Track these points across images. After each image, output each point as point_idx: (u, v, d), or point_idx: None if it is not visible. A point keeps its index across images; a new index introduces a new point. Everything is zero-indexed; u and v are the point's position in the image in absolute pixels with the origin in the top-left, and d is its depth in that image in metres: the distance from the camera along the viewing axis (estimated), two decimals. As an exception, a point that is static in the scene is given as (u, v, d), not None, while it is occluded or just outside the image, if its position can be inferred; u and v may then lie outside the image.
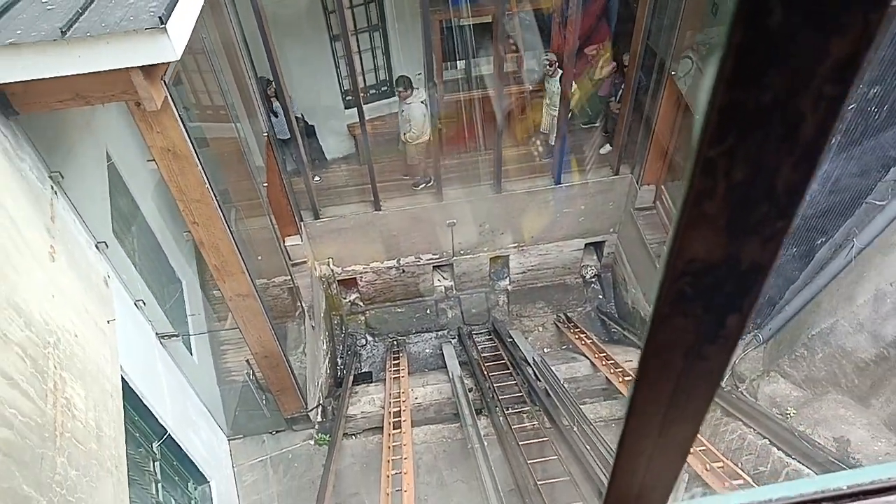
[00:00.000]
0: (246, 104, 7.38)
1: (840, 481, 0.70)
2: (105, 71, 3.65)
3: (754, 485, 5.68)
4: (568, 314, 10.41)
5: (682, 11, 6.92)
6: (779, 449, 5.82)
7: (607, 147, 9.33)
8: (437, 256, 9.89)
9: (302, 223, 8.71)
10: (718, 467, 5.90)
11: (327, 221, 8.91)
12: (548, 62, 8.45)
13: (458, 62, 9.36)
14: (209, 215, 4.80)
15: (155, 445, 5.30)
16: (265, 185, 7.15)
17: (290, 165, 8.57)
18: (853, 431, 5.36)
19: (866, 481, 0.70)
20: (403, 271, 10.05)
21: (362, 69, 9.08)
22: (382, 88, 9.56)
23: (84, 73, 3.65)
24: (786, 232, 0.34)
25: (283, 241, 8.08)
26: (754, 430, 6.23)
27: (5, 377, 3.10)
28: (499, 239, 9.77)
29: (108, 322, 4.60)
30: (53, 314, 3.77)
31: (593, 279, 10.62)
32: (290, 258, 8.24)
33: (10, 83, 3.70)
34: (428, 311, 10.62)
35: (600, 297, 10.65)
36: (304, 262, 8.86)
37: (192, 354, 6.57)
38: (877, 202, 5.78)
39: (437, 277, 10.36)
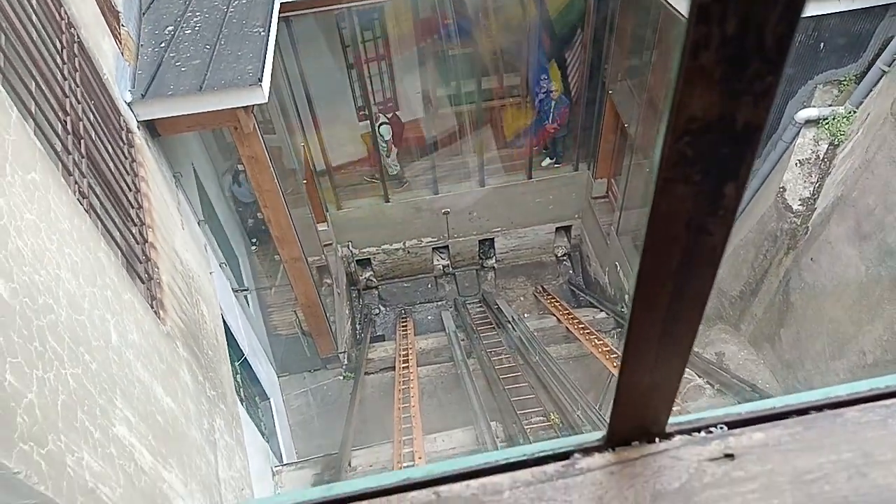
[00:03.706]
0: (286, 122, 9.68)
1: (841, 391, 0.76)
2: (222, 110, 5.93)
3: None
4: (544, 286, 12.67)
5: (612, 44, 9.19)
6: (689, 368, 8.05)
7: (547, 160, 11.60)
8: (436, 239, 12.17)
9: (327, 213, 10.99)
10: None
11: (347, 211, 11.20)
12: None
13: (450, 83, 11.62)
14: (275, 200, 7.08)
15: (237, 364, 7.57)
16: (304, 181, 9.46)
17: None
18: (728, 348, 7.60)
19: (864, 389, 0.75)
20: (409, 252, 12.33)
21: (372, 90, 11.35)
22: (389, 104, 11.82)
23: (208, 111, 5.93)
24: (775, 88, 0.35)
25: (317, 226, 10.38)
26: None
27: (177, 293, 5.38)
28: (485, 224, 12.04)
29: (210, 273, 6.88)
30: (189, 260, 6.06)
31: (564, 257, 12.89)
32: (321, 240, 10.53)
33: (161, 118, 5.99)
34: (429, 286, 12.90)
35: (570, 271, 12.92)
36: (330, 244, 11.14)
37: (250, 307, 8.86)
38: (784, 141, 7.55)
39: (436, 257, 12.63)
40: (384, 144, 10.83)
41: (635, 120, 9.28)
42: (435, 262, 12.66)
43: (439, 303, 12.78)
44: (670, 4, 6.66)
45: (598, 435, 0.72)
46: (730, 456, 0.72)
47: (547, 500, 0.67)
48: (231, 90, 5.82)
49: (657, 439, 0.73)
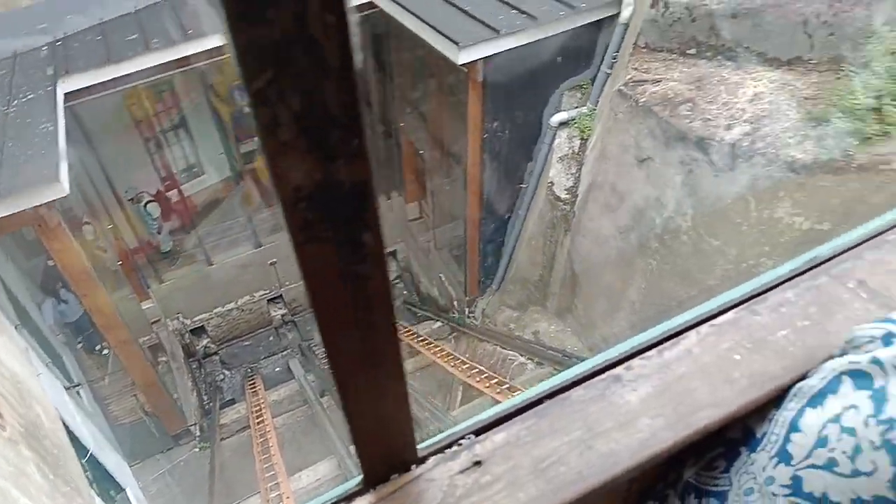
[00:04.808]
0: (90, 207, 9.46)
1: (626, 346, 0.85)
2: (23, 211, 5.86)
3: (514, 384, 8.79)
4: (382, 312, 13.31)
5: (394, 80, 10.16)
6: (512, 351, 9.06)
7: None
8: (269, 291, 12.34)
9: (150, 290, 10.79)
10: (486, 378, 8.98)
11: (170, 283, 11.05)
12: None
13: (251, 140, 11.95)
14: (93, 288, 7.03)
15: (83, 461, 7.30)
16: (120, 262, 9.31)
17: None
18: (541, 325, 8.71)
19: (655, 335, 0.85)
20: (243, 310, 12.36)
21: (174, 157, 11.37)
22: (193, 169, 11.87)
23: (7, 215, 5.83)
24: (365, 147, 0.35)
25: (141, 305, 10.17)
26: (500, 345, 9.45)
27: (10, 399, 5.25)
28: (313, 267, 12.44)
29: (38, 375, 6.65)
30: (14, 365, 5.87)
31: (396, 279, 13.64)
32: (148, 318, 10.32)
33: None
34: (271, 339, 13.00)
35: (405, 292, 13.70)
36: (159, 321, 10.92)
37: (85, 402, 8.53)
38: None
39: (273, 309, 12.79)
40: (153, 222, 10.80)
41: (427, 146, 10.28)
42: (272, 314, 12.80)
43: (284, 353, 12.92)
44: (424, 39, 7.59)
45: (359, 479, 0.73)
46: (478, 463, 0.76)
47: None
48: (28, 189, 5.81)
49: (413, 466, 0.74)
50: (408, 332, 11.46)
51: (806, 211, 4.62)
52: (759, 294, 0.94)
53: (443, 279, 11.57)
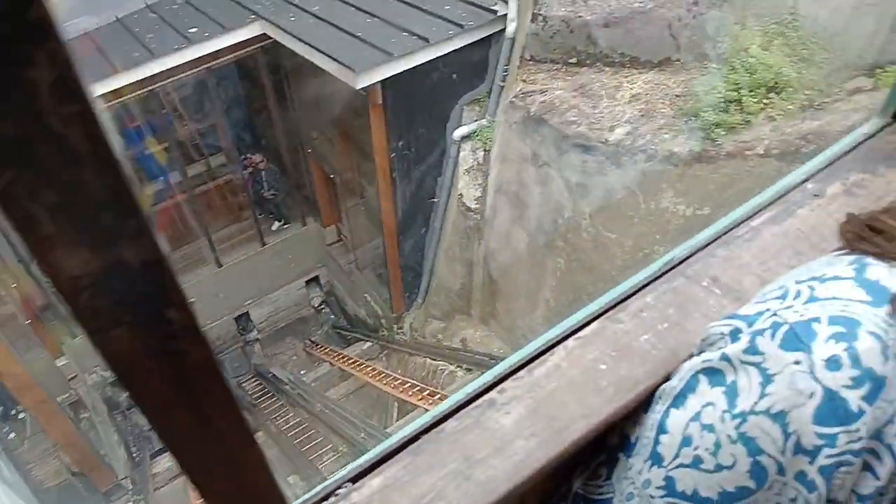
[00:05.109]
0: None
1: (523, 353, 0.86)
2: None
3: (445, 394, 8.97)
4: (312, 338, 13.24)
5: (297, 108, 10.23)
6: (441, 361, 9.26)
7: (276, 224, 12.40)
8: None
9: (63, 346, 10.34)
10: (419, 391, 9.13)
11: (84, 337, 10.61)
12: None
13: (155, 179, 11.69)
14: (5, 353, 6.75)
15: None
16: (28, 321, 8.91)
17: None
18: (467, 332, 8.96)
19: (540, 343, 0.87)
20: (167, 355, 12.00)
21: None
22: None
23: None
24: (144, 226, 0.32)
25: (56, 363, 9.75)
26: (429, 357, 9.63)
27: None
28: (235, 300, 12.26)
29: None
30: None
31: (322, 306, 13.61)
32: (65, 375, 9.89)
33: None
34: (200, 379, 12.67)
35: (332, 316, 13.67)
36: (76, 376, 10.47)
37: (6, 471, 8.10)
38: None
39: (198, 349, 12.47)
40: None
41: (337, 170, 10.40)
42: (198, 355, 12.49)
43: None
44: (322, 67, 7.71)
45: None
46: None
47: None
48: None
49: None
50: (338, 356, 11.47)
51: (687, 199, 5.05)
52: (620, 302, 0.96)
53: (368, 299, 11.66)
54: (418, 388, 9.01)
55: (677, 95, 5.50)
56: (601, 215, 5.79)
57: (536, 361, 0.90)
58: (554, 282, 6.72)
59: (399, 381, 8.78)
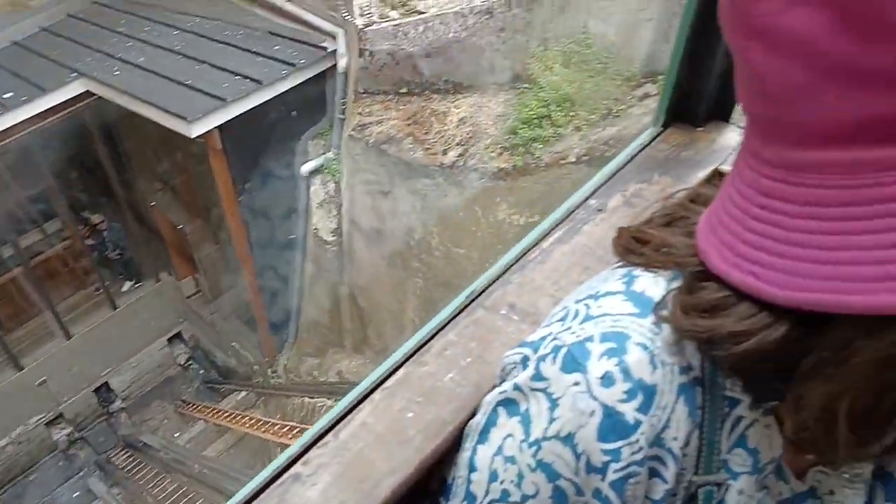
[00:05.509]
0: None
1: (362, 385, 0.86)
2: None
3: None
4: (182, 398, 12.61)
5: (136, 168, 9.85)
6: (319, 397, 9.22)
7: (127, 284, 11.81)
8: (45, 413, 11.08)
9: None
10: (299, 432, 9.00)
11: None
12: None
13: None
14: None
15: None
16: None
17: None
18: (343, 364, 9.02)
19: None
20: (20, 443, 10.96)
21: None
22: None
23: None
24: None
25: None
26: (307, 396, 9.55)
27: None
28: (91, 371, 11.44)
29: None
30: None
31: (189, 362, 13.00)
32: None
33: None
34: (60, 464, 11.64)
35: (201, 372, 13.10)
36: None
37: None
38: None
39: (55, 431, 11.48)
40: None
41: (185, 220, 10.09)
42: (55, 437, 11.49)
43: (80, 474, 11.63)
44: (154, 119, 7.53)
45: None
46: None
47: None
48: None
49: None
50: (213, 411, 11.04)
51: (519, 209, 5.52)
52: (424, 343, 0.93)
53: (237, 347, 11.35)
54: (298, 429, 8.89)
55: (498, 115, 5.99)
56: (448, 233, 6.14)
57: (343, 422, 0.86)
58: (416, 301, 6.99)
59: (279, 426, 8.64)
